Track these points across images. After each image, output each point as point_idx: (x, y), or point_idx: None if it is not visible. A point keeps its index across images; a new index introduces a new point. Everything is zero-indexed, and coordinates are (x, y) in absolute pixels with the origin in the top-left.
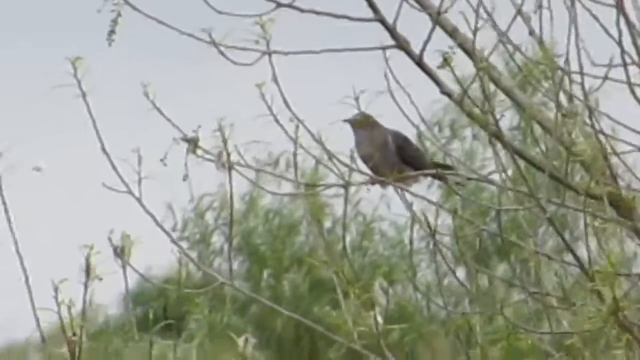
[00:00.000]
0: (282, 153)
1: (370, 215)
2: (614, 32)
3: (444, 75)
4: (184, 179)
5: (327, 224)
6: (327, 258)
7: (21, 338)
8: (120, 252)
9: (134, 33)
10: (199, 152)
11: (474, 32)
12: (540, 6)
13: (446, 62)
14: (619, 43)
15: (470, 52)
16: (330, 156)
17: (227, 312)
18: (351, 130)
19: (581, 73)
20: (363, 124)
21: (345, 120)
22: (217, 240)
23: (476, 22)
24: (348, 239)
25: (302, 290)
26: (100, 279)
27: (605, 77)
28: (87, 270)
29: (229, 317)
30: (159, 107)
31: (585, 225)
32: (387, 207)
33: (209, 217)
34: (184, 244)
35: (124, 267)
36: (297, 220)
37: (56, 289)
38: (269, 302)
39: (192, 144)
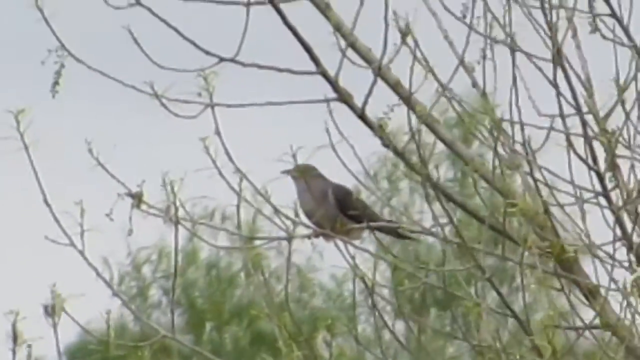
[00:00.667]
0: (217, 206)
1: (305, 267)
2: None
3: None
4: (129, 234)
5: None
6: (268, 310)
7: None
8: (51, 311)
9: (79, 84)
10: (143, 207)
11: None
12: (484, 57)
13: (381, 128)
14: (557, 98)
15: (412, 107)
16: (275, 210)
17: None
18: (292, 182)
19: (521, 124)
20: (302, 175)
21: (283, 172)
22: (154, 293)
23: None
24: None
25: (244, 343)
26: (29, 346)
27: (551, 128)
28: (14, 336)
29: None
30: (104, 160)
31: (522, 279)
32: (320, 257)
33: (147, 270)
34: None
35: (54, 327)
36: (235, 272)
37: None
38: (211, 356)
39: (137, 199)
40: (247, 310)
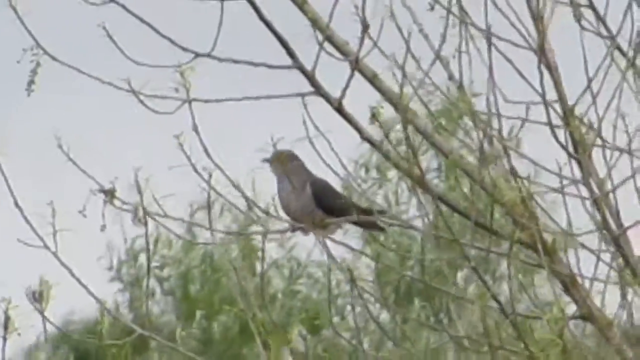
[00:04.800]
0: (217, 198)
1: (305, 259)
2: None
3: (364, 120)
4: (102, 230)
5: (260, 267)
6: (255, 303)
7: None
8: (39, 297)
9: (54, 82)
10: (117, 203)
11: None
12: (459, 51)
13: (374, 117)
14: (541, 86)
15: (392, 100)
16: (250, 204)
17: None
18: (271, 169)
19: (498, 115)
20: (282, 162)
21: (264, 160)
22: (151, 282)
23: (404, 70)
24: (281, 284)
25: (233, 333)
26: (19, 334)
27: (525, 119)
28: (6, 324)
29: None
30: (77, 157)
31: (509, 273)
32: (320, 251)
33: (143, 258)
34: (119, 285)
35: (42, 312)
36: (228, 263)
37: None
38: (189, 353)
39: (109, 195)
40: (226, 306)
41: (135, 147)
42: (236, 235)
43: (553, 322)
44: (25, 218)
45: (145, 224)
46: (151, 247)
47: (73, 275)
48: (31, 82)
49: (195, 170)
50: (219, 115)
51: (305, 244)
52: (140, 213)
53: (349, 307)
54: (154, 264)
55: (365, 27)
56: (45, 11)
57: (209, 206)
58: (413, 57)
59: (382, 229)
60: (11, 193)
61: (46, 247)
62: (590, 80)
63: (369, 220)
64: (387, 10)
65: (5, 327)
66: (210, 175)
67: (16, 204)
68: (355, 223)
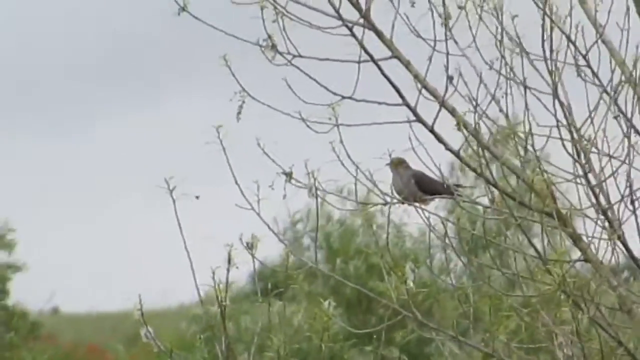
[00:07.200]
0: (345, 184)
1: (399, 223)
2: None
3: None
4: (284, 198)
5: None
6: (377, 250)
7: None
8: (251, 246)
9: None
10: (293, 181)
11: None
12: (506, 94)
13: (458, 124)
14: (556, 116)
15: (465, 125)
16: (376, 187)
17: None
18: (390, 169)
19: (531, 134)
20: (396, 165)
21: (386, 164)
22: (305, 242)
23: (476, 110)
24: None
25: (362, 272)
26: (237, 267)
27: (549, 136)
28: (229, 260)
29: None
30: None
31: (542, 231)
32: (407, 216)
33: (300, 226)
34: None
35: (252, 255)
36: (357, 226)
37: (213, 272)
38: (339, 277)
39: (289, 176)
40: (364, 250)
41: (303, 151)
42: (372, 204)
43: (558, 263)
44: (241, 190)
45: (316, 197)
46: (312, 215)
47: (270, 228)
48: (239, 113)
49: (343, 165)
50: (354, 138)
51: (398, 212)
52: (313, 190)
53: (437, 256)
54: (307, 229)
55: (451, 78)
56: (245, 66)
57: (355, 187)
58: (475, 99)
59: (457, 201)
60: (233, 176)
61: (253, 209)
62: (590, 112)
63: (449, 196)
64: (458, 69)
65: (229, 262)
66: (357, 169)
67: (236, 182)
68: (442, 196)
